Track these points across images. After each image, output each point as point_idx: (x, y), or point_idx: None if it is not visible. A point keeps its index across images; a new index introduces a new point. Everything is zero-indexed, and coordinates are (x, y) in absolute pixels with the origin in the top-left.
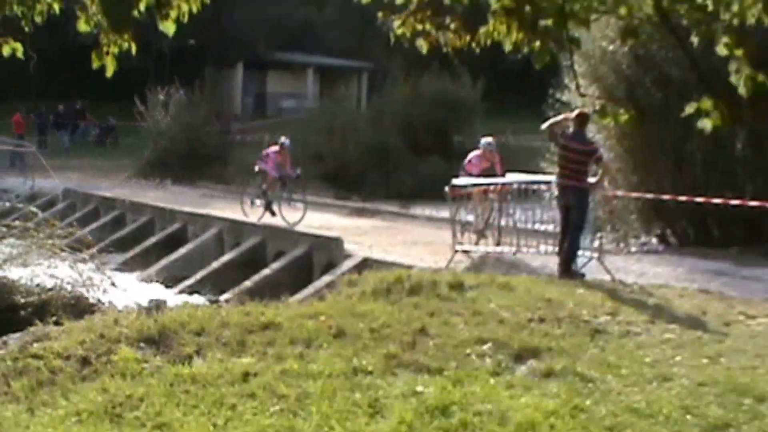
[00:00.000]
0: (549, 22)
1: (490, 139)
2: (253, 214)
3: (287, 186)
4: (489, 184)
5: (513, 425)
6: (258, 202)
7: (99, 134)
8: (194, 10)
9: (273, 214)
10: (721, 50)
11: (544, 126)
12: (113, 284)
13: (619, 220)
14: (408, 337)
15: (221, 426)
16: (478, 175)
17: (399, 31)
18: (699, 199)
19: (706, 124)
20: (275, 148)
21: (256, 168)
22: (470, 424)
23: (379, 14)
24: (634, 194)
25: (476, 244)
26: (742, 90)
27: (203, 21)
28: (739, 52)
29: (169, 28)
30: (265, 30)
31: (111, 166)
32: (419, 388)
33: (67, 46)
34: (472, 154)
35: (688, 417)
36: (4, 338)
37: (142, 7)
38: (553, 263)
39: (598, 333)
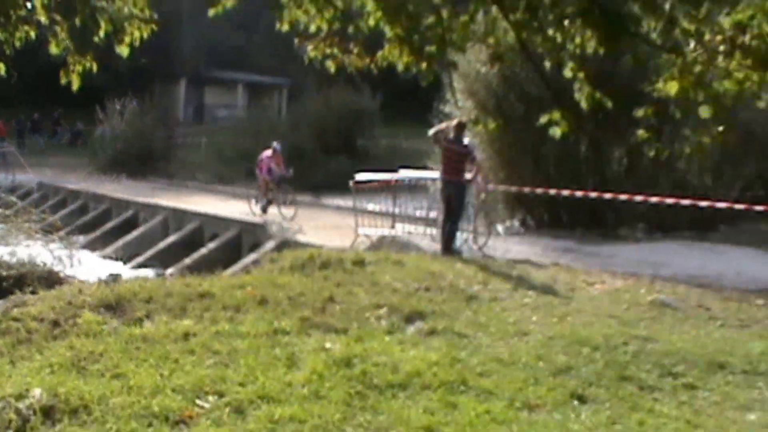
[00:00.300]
0: (433, 48)
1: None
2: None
3: (282, 186)
4: (386, 180)
5: (403, 373)
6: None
7: (70, 137)
8: (144, 35)
9: (264, 212)
10: (568, 73)
11: (430, 132)
12: (79, 261)
13: (489, 208)
14: (319, 303)
15: (167, 376)
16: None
17: (312, 54)
18: (552, 191)
19: (556, 131)
20: (268, 152)
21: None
22: (369, 373)
23: (296, 40)
24: (502, 187)
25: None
26: (584, 104)
27: (153, 44)
28: (581, 75)
29: (124, 51)
30: (204, 52)
31: (78, 164)
32: (328, 345)
33: (41, 65)
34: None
35: (540, 363)
36: None
37: (101, 33)
38: (437, 243)
39: (472, 299)
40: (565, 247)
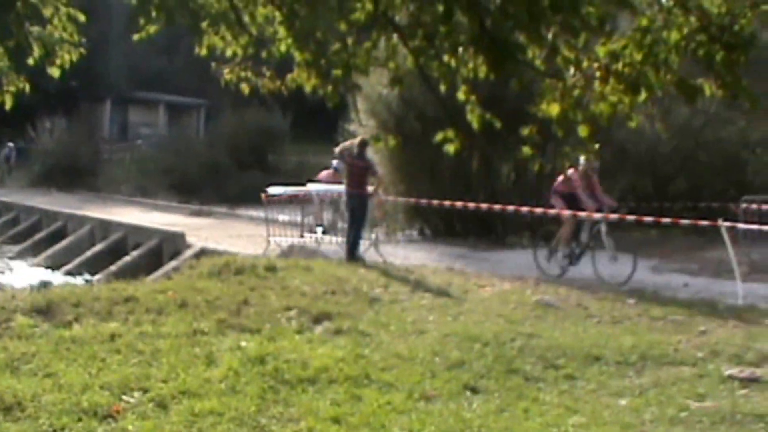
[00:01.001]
0: (338, 72)
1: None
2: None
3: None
4: (296, 193)
5: (312, 369)
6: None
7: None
8: (74, 59)
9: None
10: (461, 95)
11: (336, 150)
12: (10, 268)
13: (389, 217)
14: (234, 306)
15: (95, 374)
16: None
17: (228, 77)
18: (447, 203)
19: (450, 148)
20: (327, 172)
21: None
22: (281, 369)
23: (213, 64)
24: (401, 199)
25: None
26: (475, 124)
27: (81, 66)
28: (473, 98)
29: (55, 72)
30: (128, 74)
31: (10, 178)
32: (243, 344)
33: None
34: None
35: (437, 359)
36: None
37: (35, 56)
38: (342, 250)
39: (374, 301)
40: (459, 254)
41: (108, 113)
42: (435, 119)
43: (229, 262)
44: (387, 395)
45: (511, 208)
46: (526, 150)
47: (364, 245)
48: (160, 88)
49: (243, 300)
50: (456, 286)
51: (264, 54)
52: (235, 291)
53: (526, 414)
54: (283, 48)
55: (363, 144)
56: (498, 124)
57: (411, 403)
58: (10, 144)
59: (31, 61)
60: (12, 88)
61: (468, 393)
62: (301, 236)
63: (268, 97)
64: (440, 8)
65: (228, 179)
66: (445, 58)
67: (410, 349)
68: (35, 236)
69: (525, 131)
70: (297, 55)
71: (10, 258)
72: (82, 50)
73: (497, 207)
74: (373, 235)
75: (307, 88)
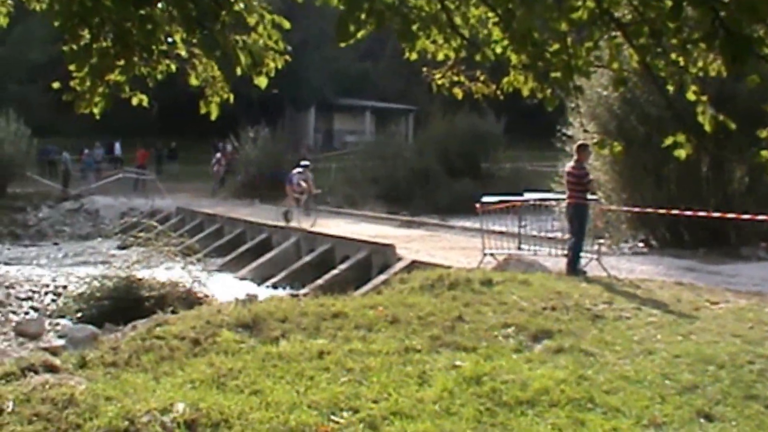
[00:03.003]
0: (558, 74)
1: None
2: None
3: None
4: (512, 201)
5: (532, 391)
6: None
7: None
8: (279, 66)
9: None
10: (690, 96)
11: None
12: (216, 282)
13: (612, 228)
14: (448, 322)
15: (303, 392)
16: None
17: (439, 82)
18: (674, 211)
19: (680, 152)
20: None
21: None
22: (498, 390)
23: (424, 69)
24: (624, 208)
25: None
26: (707, 127)
27: (283, 73)
28: (704, 98)
29: (261, 82)
30: (333, 80)
31: (211, 188)
32: (457, 363)
33: (177, 96)
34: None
35: (667, 381)
36: (134, 323)
37: (243, 64)
38: (562, 263)
39: (598, 318)
40: (688, 266)
41: (312, 121)
42: (659, 121)
43: (442, 276)
44: (612, 421)
45: (745, 216)
46: (764, 154)
47: (585, 257)
48: (365, 93)
49: (457, 316)
50: (686, 301)
51: (477, 57)
52: (448, 306)
53: None
54: (498, 50)
55: (582, 150)
56: (732, 126)
57: (638, 430)
58: (218, 155)
59: (238, 71)
60: (216, 99)
61: (702, 420)
62: (518, 248)
63: (480, 100)
64: (668, 3)
65: (439, 188)
66: (673, 56)
67: (637, 371)
68: (239, 249)
69: (762, 133)
70: (513, 58)
71: (215, 270)
72: (288, 57)
73: (730, 215)
74: (595, 247)
75: (524, 92)
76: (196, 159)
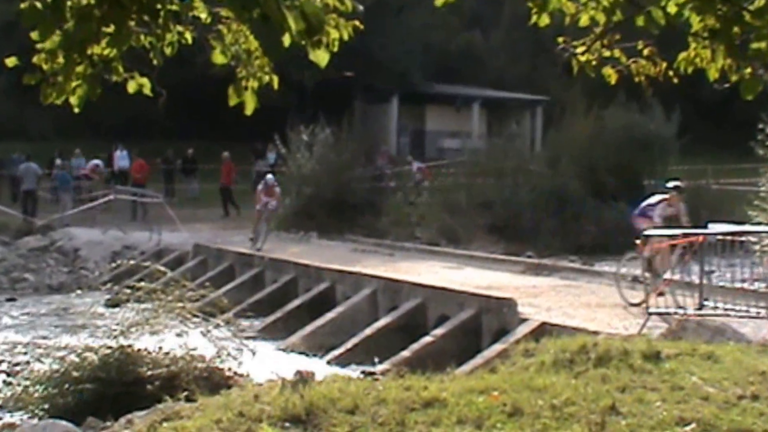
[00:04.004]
0: (762, 44)
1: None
2: None
3: None
4: (690, 234)
5: None
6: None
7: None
8: (345, 36)
9: None
10: None
11: None
12: (252, 354)
13: None
14: (596, 416)
15: None
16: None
17: (583, 59)
18: None
19: None
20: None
21: None
22: None
23: (559, 39)
24: None
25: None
26: None
27: (351, 48)
28: None
29: (321, 57)
30: (423, 59)
31: (245, 215)
32: None
33: (196, 81)
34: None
35: None
36: (130, 416)
37: (294, 32)
38: (767, 329)
39: None
40: None
41: (394, 118)
42: None
43: (586, 346)
44: None
45: None
46: None
47: None
48: (471, 78)
49: (609, 406)
50: None
51: (640, 20)
52: (596, 391)
53: None
54: (672, 9)
55: None
56: None
57: None
58: (270, 159)
59: (286, 41)
60: (253, 83)
61: None
62: (700, 305)
63: (641, 89)
64: None
65: (580, 216)
66: None
67: None
68: (287, 305)
69: None
70: (694, 21)
71: (252, 338)
72: (358, 23)
73: None
74: None
75: (711, 74)
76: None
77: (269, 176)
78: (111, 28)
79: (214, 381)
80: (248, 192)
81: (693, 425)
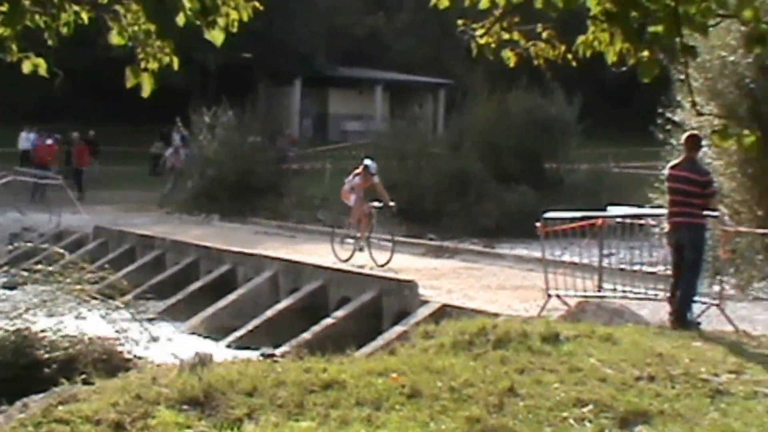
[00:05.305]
0: (659, 28)
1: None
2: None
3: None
4: (588, 218)
5: None
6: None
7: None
8: (245, 18)
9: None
10: None
11: None
12: (152, 336)
13: (742, 260)
14: (494, 397)
15: None
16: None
17: (482, 41)
18: None
19: None
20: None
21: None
22: None
23: (459, 22)
24: (760, 230)
25: None
26: None
27: (254, 31)
28: None
29: (217, 37)
30: (327, 42)
31: (148, 198)
32: None
33: (98, 63)
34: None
35: None
36: (25, 400)
37: (187, 11)
38: (664, 311)
39: (720, 394)
40: None
41: (297, 101)
42: None
43: (485, 328)
44: None
45: None
46: None
47: (700, 303)
48: (376, 61)
49: (508, 388)
50: None
51: (539, 3)
52: (495, 373)
53: None
54: None
55: (694, 143)
56: None
57: None
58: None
59: (180, 20)
60: (153, 65)
61: None
62: (599, 287)
63: (543, 72)
64: None
65: (482, 198)
66: None
67: None
68: (188, 287)
69: None
70: (592, 4)
71: (152, 319)
72: (257, 4)
73: None
74: (716, 288)
75: (609, 57)
76: (127, 156)
77: (370, 162)
78: (5, 7)
79: (113, 364)
80: (143, 175)
81: (590, 406)
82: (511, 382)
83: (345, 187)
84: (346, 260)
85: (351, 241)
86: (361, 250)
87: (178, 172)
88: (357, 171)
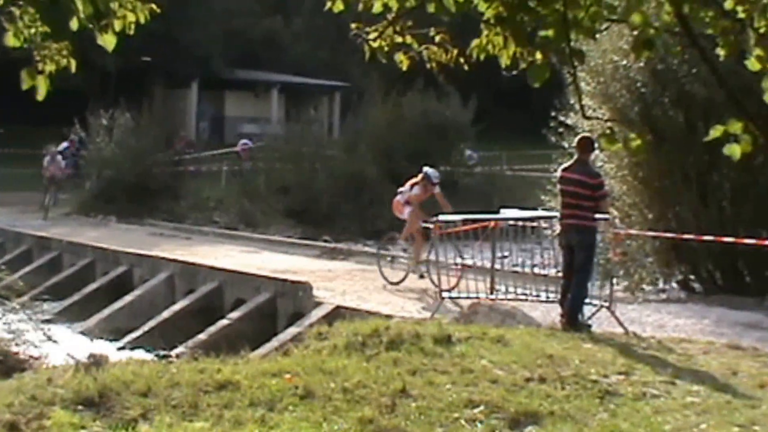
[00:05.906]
0: (549, 32)
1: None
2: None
3: None
4: (481, 220)
5: None
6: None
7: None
8: (142, 20)
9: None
10: (753, 65)
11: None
12: (48, 337)
13: (632, 262)
14: (386, 398)
15: None
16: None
17: (375, 45)
18: (728, 239)
19: (734, 149)
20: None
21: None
22: None
23: (353, 25)
24: (650, 233)
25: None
26: None
27: (152, 34)
28: None
29: (108, 42)
30: (225, 44)
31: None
32: None
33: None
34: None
35: None
36: None
37: (82, 15)
38: (556, 313)
39: (609, 395)
40: (750, 322)
41: (194, 103)
42: (708, 104)
43: (378, 330)
44: None
45: None
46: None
47: (591, 305)
48: (272, 64)
49: (400, 389)
50: (745, 375)
51: (432, 7)
52: (387, 375)
53: None
54: None
55: (584, 146)
56: None
57: None
58: (65, 144)
59: (74, 25)
60: (50, 67)
61: None
62: (491, 289)
63: (437, 76)
64: None
65: (377, 201)
66: (727, 3)
67: None
68: (85, 289)
69: None
70: (483, 7)
71: (48, 321)
72: (154, 7)
73: None
74: (606, 290)
75: (503, 60)
76: (24, 157)
77: (431, 170)
78: None
79: (9, 365)
80: (41, 176)
81: (482, 407)
82: (404, 383)
83: (398, 198)
84: (398, 283)
85: (403, 261)
86: (414, 272)
87: (59, 182)
88: (414, 180)
